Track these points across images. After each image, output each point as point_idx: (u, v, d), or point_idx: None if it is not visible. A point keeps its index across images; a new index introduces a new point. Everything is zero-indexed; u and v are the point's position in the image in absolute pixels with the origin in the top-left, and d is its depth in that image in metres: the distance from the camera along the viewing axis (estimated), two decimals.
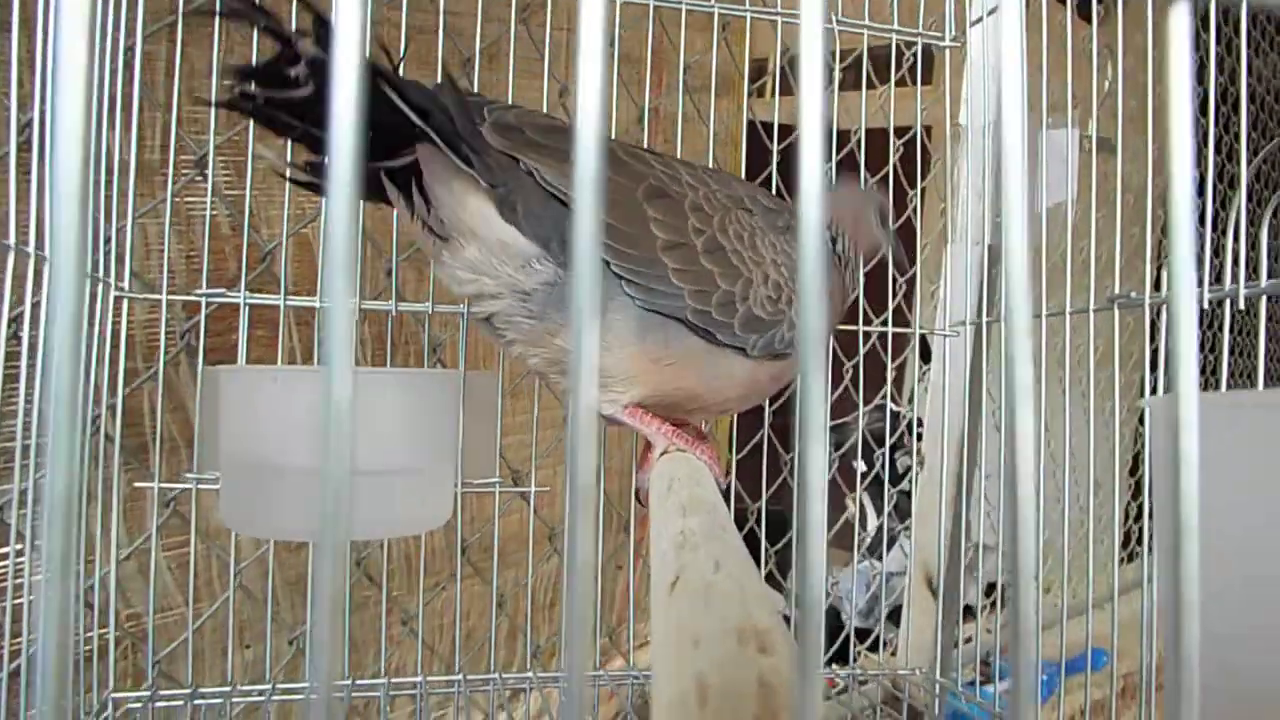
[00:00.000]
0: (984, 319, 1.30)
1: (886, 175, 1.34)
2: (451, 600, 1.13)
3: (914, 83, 1.42)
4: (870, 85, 1.40)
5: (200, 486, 0.94)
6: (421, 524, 0.84)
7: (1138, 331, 1.08)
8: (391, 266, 1.04)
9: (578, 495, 0.23)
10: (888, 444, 1.52)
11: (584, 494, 0.23)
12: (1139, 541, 2.07)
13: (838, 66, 1.38)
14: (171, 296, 0.95)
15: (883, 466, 1.54)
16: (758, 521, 1.25)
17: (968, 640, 1.62)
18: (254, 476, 0.77)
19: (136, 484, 0.95)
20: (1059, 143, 1.17)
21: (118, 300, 0.93)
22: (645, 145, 1.02)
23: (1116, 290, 0.97)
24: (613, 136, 1.09)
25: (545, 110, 1.09)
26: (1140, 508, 2.07)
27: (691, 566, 0.41)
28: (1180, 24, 0.22)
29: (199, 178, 0.98)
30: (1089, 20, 1.10)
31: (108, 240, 0.90)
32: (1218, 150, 1.97)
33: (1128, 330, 1.38)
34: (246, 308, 0.94)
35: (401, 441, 0.80)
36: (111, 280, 0.91)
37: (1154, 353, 1.42)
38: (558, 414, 1.27)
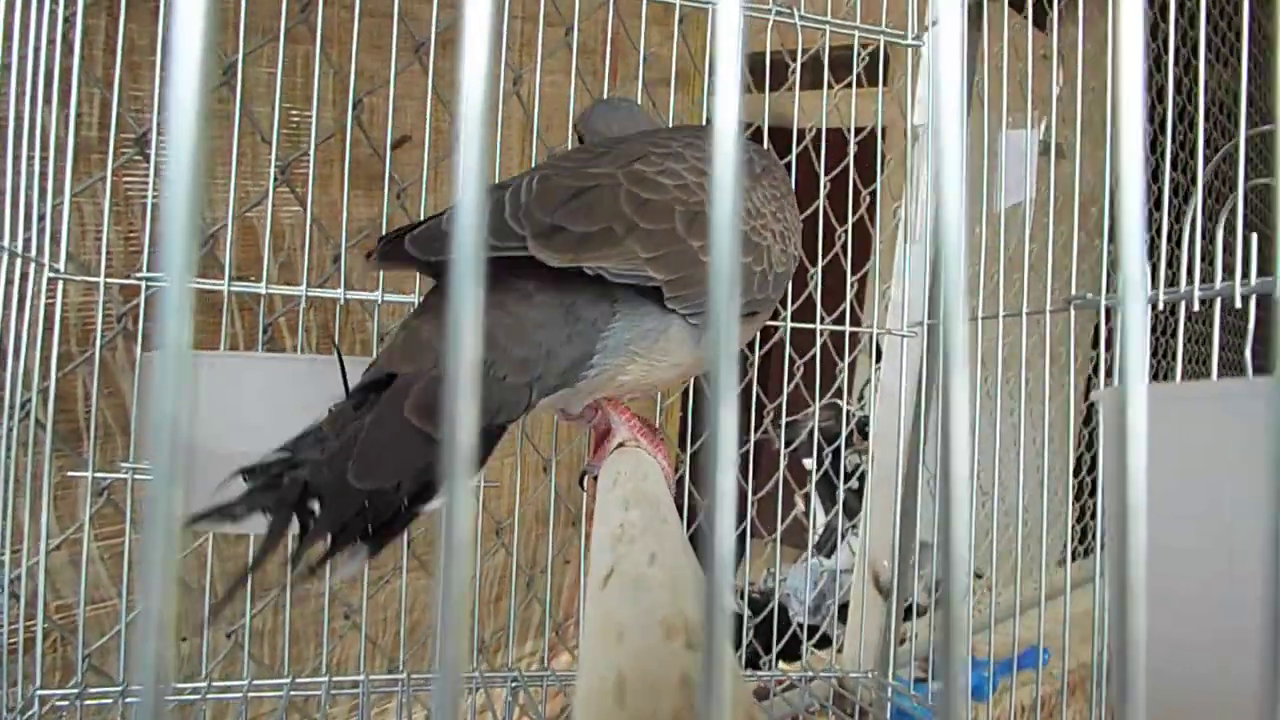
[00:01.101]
0: (932, 320, 1.32)
1: (846, 172, 1.35)
2: (395, 594, 1.12)
3: (871, 83, 1.44)
4: (829, 85, 1.41)
5: (136, 476, 0.92)
6: None
7: (1083, 338, 1.11)
8: (340, 253, 1.02)
9: (455, 460, 0.22)
10: (841, 442, 1.53)
11: (461, 461, 0.22)
12: (1085, 540, 2.12)
13: (798, 64, 1.39)
14: (109, 279, 0.93)
15: (832, 465, 1.56)
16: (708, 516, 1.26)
17: (915, 638, 1.65)
18: (191, 465, 0.75)
19: (69, 473, 0.93)
20: (1018, 144, 1.19)
21: (52, 282, 0.90)
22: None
23: (1073, 291, 0.99)
24: (569, 125, 1.09)
25: (500, 101, 1.08)
26: (1087, 507, 2.11)
27: (627, 559, 0.41)
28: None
29: (139, 157, 0.96)
30: (1044, 29, 1.12)
31: (41, 219, 0.88)
32: (1175, 157, 2.02)
33: (1079, 334, 1.41)
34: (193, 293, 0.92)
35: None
36: (46, 261, 0.89)
37: (1108, 360, 1.45)
38: None
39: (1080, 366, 1.89)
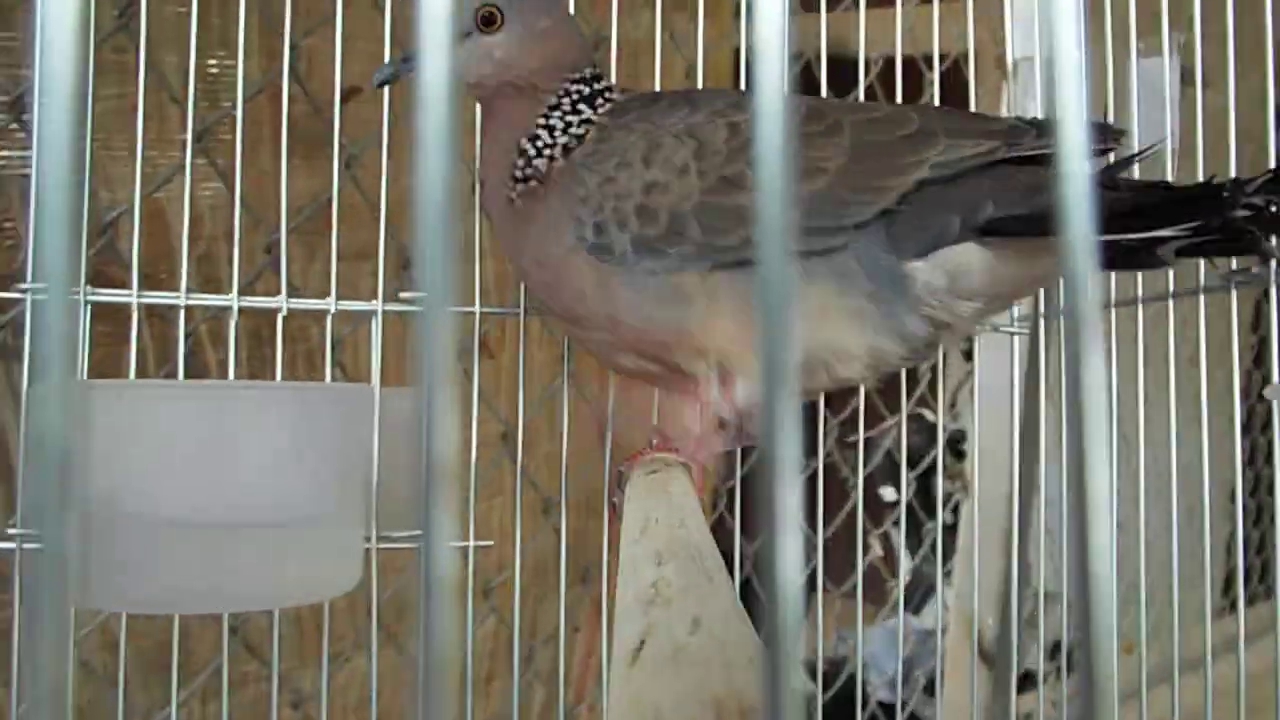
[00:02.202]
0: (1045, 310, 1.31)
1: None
2: (358, 675, 1.12)
3: None
4: (901, 0, 1.40)
5: (27, 545, 0.91)
6: (320, 590, 0.84)
7: (1222, 323, 1.09)
8: (276, 239, 1.03)
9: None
10: (935, 464, 1.53)
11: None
12: (1264, 578, 2.10)
13: None
14: None
15: (919, 495, 1.56)
16: (756, 566, 1.26)
17: (1027, 717, 1.64)
18: (98, 530, 0.75)
19: None
20: (1153, 76, 1.19)
21: None
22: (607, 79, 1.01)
23: (1234, 265, 0.98)
24: None
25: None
26: (1253, 539, 2.09)
27: (661, 626, 0.41)
28: None
29: (14, 125, 0.97)
30: None
31: None
32: None
33: (1226, 322, 1.40)
34: (87, 307, 0.93)
35: (295, 482, 0.79)
36: None
37: (1259, 344, 1.43)
38: (493, 431, 1.26)
39: (1225, 361, 1.88)
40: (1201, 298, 1.02)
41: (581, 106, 0.96)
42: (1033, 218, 0.84)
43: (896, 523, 1.69)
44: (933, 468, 1.67)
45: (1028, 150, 0.87)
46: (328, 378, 1.07)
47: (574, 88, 0.96)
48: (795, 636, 0.26)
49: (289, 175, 1.04)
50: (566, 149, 0.94)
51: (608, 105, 0.97)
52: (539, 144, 0.95)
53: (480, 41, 0.94)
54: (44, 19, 0.24)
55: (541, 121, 0.95)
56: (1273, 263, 0.95)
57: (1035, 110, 1.29)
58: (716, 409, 0.91)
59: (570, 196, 0.91)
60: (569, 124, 0.95)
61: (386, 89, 1.06)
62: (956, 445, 1.86)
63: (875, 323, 0.88)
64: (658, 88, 1.17)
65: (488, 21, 0.94)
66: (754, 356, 0.80)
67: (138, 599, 0.76)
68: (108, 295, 0.95)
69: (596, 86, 0.97)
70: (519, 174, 0.95)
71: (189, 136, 1.01)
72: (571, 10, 1.10)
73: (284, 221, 1.03)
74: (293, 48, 1.05)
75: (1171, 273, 1.05)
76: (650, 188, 0.89)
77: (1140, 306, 1.09)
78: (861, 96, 1.26)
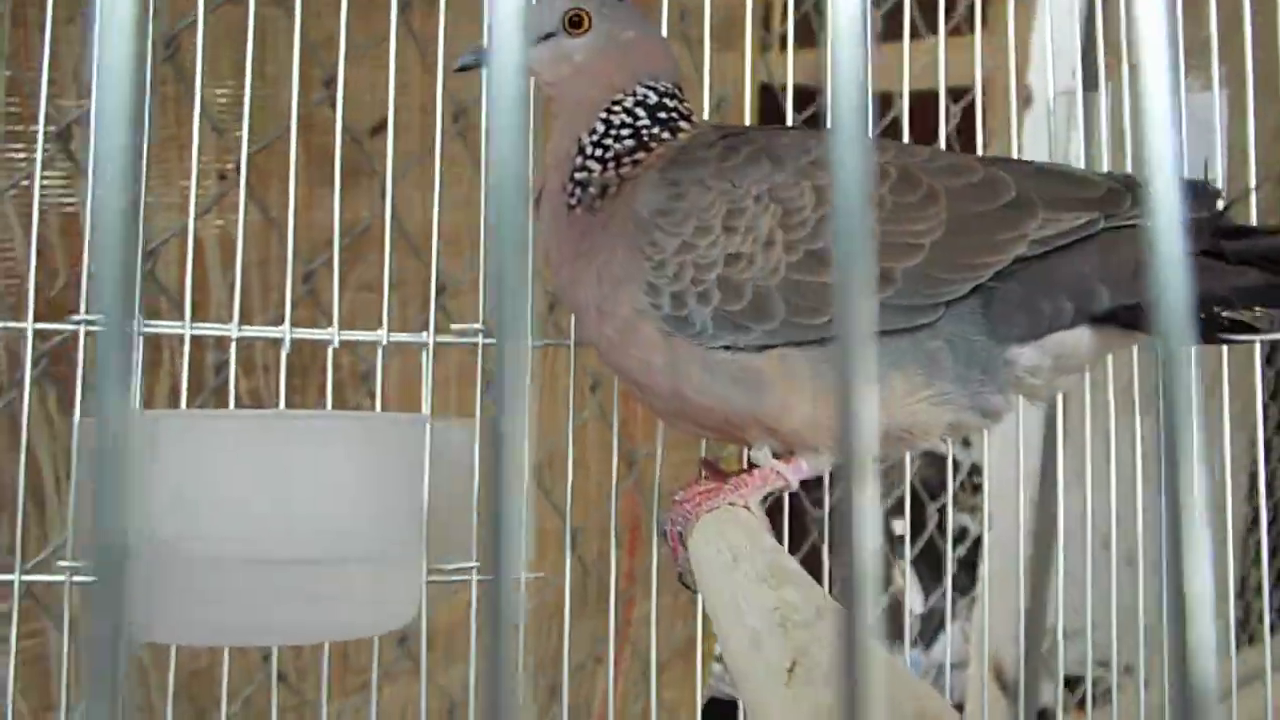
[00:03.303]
0: None
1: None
2: (387, 705, 1.14)
3: (970, 30, 1.46)
4: (915, 34, 1.43)
5: (77, 579, 0.90)
6: (377, 625, 0.85)
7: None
8: (311, 270, 1.05)
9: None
10: (946, 499, 1.55)
11: None
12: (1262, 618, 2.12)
13: (871, 9, 1.41)
14: (38, 325, 0.96)
15: (935, 528, 1.57)
16: None
17: None
18: (153, 569, 0.76)
19: None
20: (1202, 107, 1.21)
21: None
22: None
23: None
24: None
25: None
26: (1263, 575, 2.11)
27: (816, 645, 0.43)
28: None
29: (61, 154, 0.99)
30: None
31: None
32: None
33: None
34: (140, 338, 0.95)
35: (357, 515, 0.80)
36: None
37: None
38: (528, 466, 1.28)
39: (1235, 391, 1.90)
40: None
41: (647, 114, 0.95)
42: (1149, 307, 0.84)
43: (905, 556, 1.70)
44: (949, 501, 1.69)
45: (1126, 220, 0.86)
46: (377, 408, 1.09)
47: (644, 91, 0.95)
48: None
49: (320, 205, 1.06)
50: (631, 160, 0.93)
51: (682, 134, 0.96)
52: (600, 141, 0.94)
53: (563, 43, 0.95)
54: (100, 49, 0.26)
55: (604, 116, 0.95)
56: None
57: (1042, 140, 1.31)
58: (778, 473, 0.91)
59: (636, 252, 0.89)
60: (637, 128, 0.94)
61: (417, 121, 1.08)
62: (973, 478, 1.88)
63: (959, 403, 0.87)
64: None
65: (575, 24, 0.94)
66: (827, 438, 0.84)
67: (189, 632, 0.78)
68: (160, 326, 0.97)
69: (669, 102, 0.96)
70: (578, 175, 0.94)
71: (242, 164, 1.02)
72: None
73: (336, 250, 1.04)
74: (330, 79, 1.07)
75: None
76: (733, 259, 0.87)
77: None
78: (905, 135, 1.27)
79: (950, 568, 1.53)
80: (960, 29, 1.46)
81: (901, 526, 2.01)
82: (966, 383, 0.86)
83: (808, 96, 1.53)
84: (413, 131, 1.08)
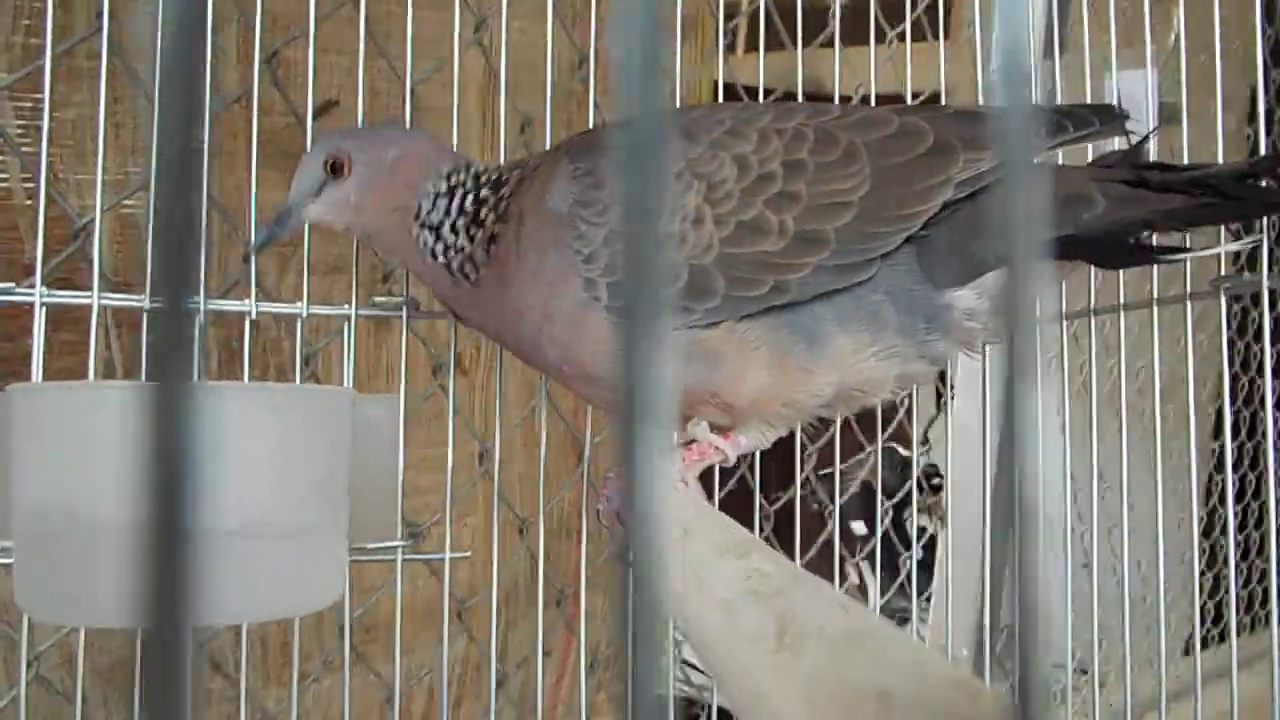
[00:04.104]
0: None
1: None
2: (327, 695, 1.12)
3: (934, 36, 1.46)
4: (880, 38, 1.43)
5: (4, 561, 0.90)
6: (303, 603, 0.83)
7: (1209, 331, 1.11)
8: (249, 251, 1.03)
9: None
10: (908, 497, 1.54)
11: None
12: (1219, 621, 2.12)
13: (837, 12, 1.41)
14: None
15: (893, 527, 1.57)
16: None
17: None
18: (59, 539, 0.74)
19: None
20: (1134, 91, 1.21)
21: None
22: (589, 99, 1.03)
23: (1222, 271, 0.99)
24: (548, 84, 1.10)
25: (456, 55, 1.10)
26: (1224, 576, 2.12)
27: (803, 609, 0.42)
28: None
29: None
30: None
31: None
32: None
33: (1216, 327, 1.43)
34: (43, 309, 0.93)
35: (278, 489, 0.79)
36: None
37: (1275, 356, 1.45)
38: (465, 450, 1.26)
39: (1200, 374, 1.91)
40: (1189, 304, 1.03)
41: (448, 203, 0.95)
42: (1083, 240, 0.86)
43: (868, 557, 1.70)
44: (905, 501, 1.69)
45: (1045, 152, 0.89)
46: (297, 381, 1.08)
47: (433, 190, 0.96)
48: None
49: (263, 186, 1.05)
50: (483, 207, 0.94)
51: (522, 163, 0.97)
52: (439, 234, 0.95)
53: (333, 190, 0.96)
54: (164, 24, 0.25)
55: (419, 224, 0.95)
56: (1264, 267, 0.97)
57: None
58: (716, 448, 0.92)
59: (564, 248, 0.88)
60: (463, 190, 0.95)
61: (361, 101, 1.07)
62: (930, 479, 1.88)
63: (906, 354, 0.88)
64: None
65: (336, 169, 0.95)
66: (778, 406, 0.85)
67: (107, 613, 0.75)
68: (68, 297, 0.95)
69: (456, 179, 0.96)
70: (453, 261, 0.94)
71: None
72: (551, 27, 1.11)
73: (253, 231, 1.03)
74: (271, 56, 1.06)
75: (1156, 280, 1.07)
76: (665, 240, 0.86)
77: (1122, 314, 1.11)
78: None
79: (912, 567, 1.52)
80: (924, 34, 1.46)
81: (861, 527, 2.01)
82: (911, 333, 0.87)
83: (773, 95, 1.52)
84: (355, 115, 1.07)
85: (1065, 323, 1.27)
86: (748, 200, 0.86)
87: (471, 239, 0.93)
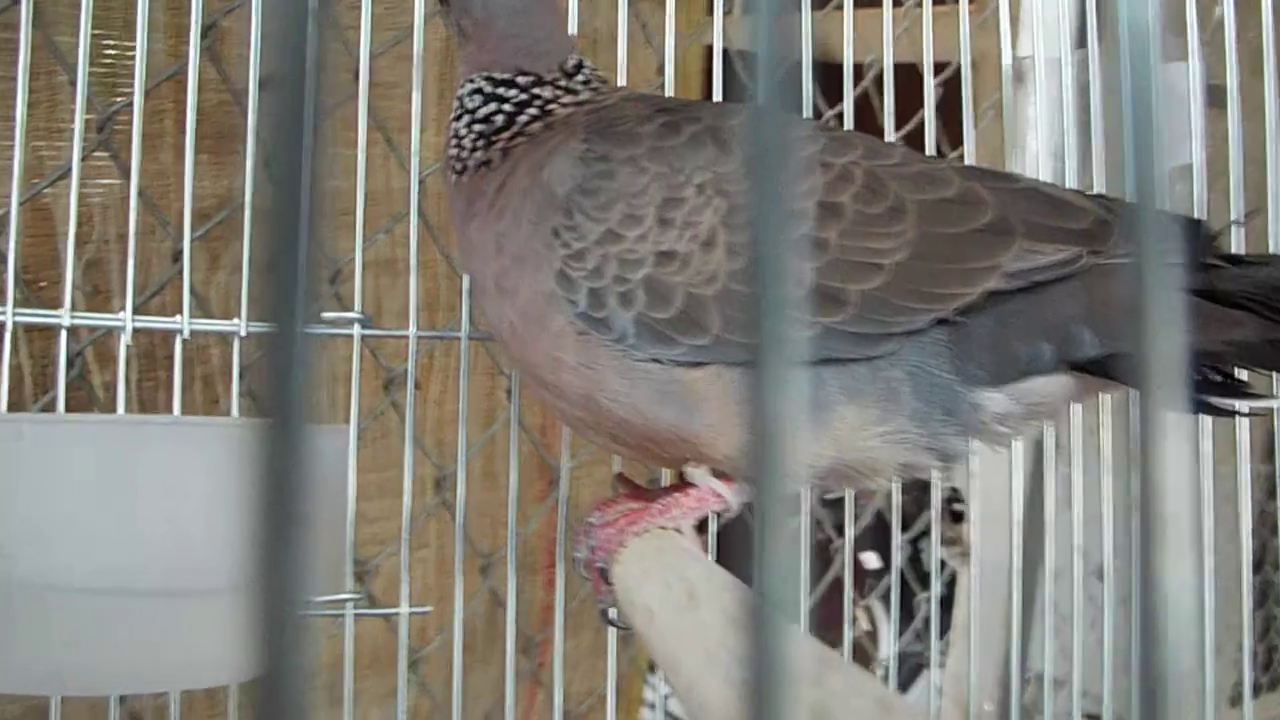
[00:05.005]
0: None
1: (921, 128, 1.38)
2: None
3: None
4: (896, 1, 1.45)
5: None
6: (226, 672, 0.83)
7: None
8: (181, 249, 1.04)
9: None
10: (932, 527, 1.56)
11: None
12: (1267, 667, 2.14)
13: None
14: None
15: (910, 562, 1.58)
16: None
17: None
18: None
19: None
20: (1176, 84, 1.23)
21: None
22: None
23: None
24: None
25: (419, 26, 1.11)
26: (1270, 619, 2.13)
27: (833, 702, 0.43)
28: None
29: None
30: None
31: None
32: None
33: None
34: None
35: (209, 540, 0.79)
36: None
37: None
38: (419, 475, 1.27)
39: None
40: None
41: (512, 87, 0.96)
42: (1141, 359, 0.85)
43: (884, 596, 1.72)
44: (925, 532, 1.71)
45: (1115, 259, 0.86)
46: (234, 409, 1.08)
47: (509, 75, 0.97)
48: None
49: (196, 172, 1.06)
50: (503, 133, 0.95)
51: (588, 91, 0.98)
52: (462, 119, 0.96)
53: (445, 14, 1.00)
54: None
55: (461, 95, 0.97)
56: None
57: (1044, 119, 1.33)
58: (718, 494, 0.91)
59: (545, 229, 0.88)
60: (491, 109, 0.96)
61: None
62: (952, 505, 1.90)
63: (916, 443, 0.87)
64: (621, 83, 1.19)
65: None
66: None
67: (15, 679, 0.76)
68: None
69: (541, 84, 0.97)
70: (450, 150, 0.97)
71: (79, 126, 1.02)
72: None
73: (187, 227, 1.04)
74: (208, 27, 1.07)
75: None
76: (665, 259, 0.85)
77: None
78: (849, 109, 1.29)
79: (934, 607, 1.54)
80: None
81: (873, 559, 2.03)
82: (926, 421, 0.86)
83: None
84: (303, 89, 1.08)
85: None
86: None
87: (474, 145, 0.95)
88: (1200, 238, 0.89)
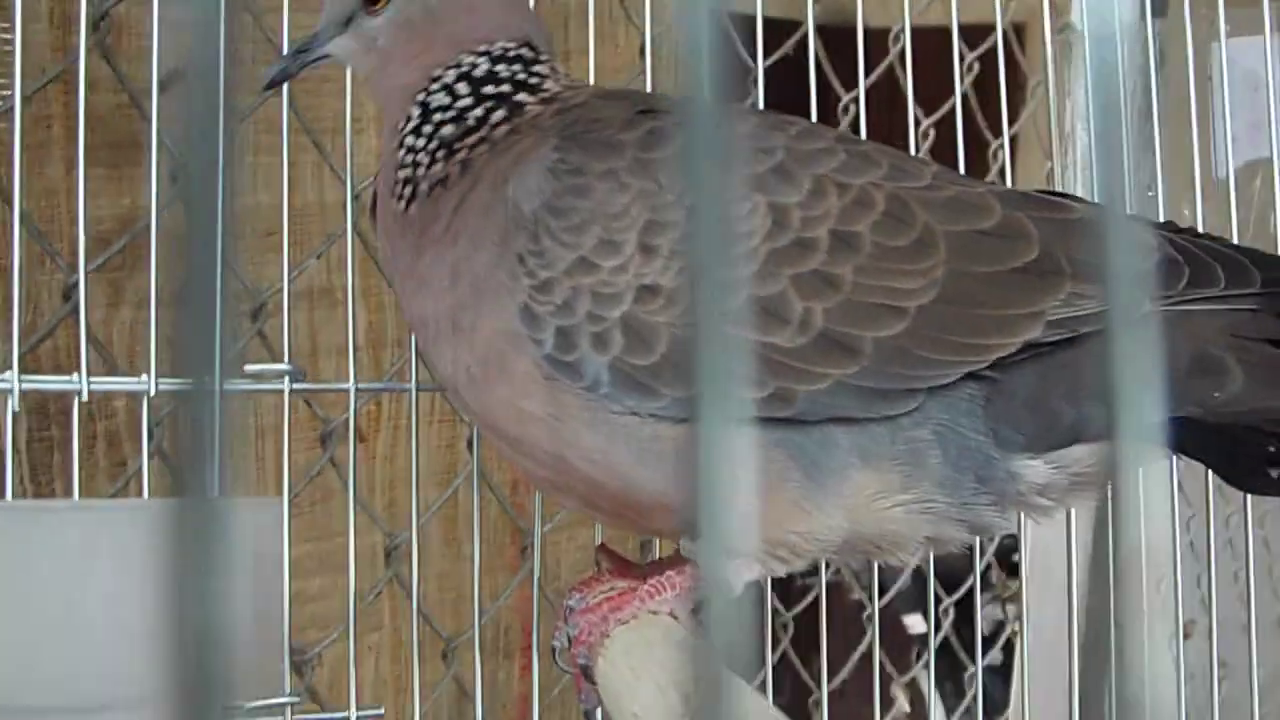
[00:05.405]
0: None
1: (952, 108, 1.36)
2: None
3: None
4: None
5: None
6: None
7: None
8: (78, 280, 1.02)
9: None
10: (974, 584, 1.54)
11: None
12: None
13: None
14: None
15: (958, 624, 1.56)
16: None
17: None
18: None
19: None
20: (1248, 61, 1.21)
21: None
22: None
23: None
24: None
25: None
26: None
27: None
28: None
29: None
30: None
31: None
32: None
33: None
34: None
35: (104, 647, 0.77)
36: None
37: None
38: (366, 543, 1.25)
39: None
40: None
41: (471, 90, 0.94)
42: (1210, 428, 0.84)
43: (927, 664, 1.69)
44: (976, 587, 1.68)
45: (1183, 304, 0.84)
46: (143, 469, 1.06)
47: (471, 60, 0.95)
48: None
49: (92, 190, 1.04)
50: (469, 145, 0.93)
51: (553, 91, 0.96)
52: (418, 129, 0.94)
53: (364, 25, 0.96)
54: None
55: (421, 98, 0.95)
56: None
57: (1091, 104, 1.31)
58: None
59: (509, 254, 0.86)
60: (460, 110, 0.94)
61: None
62: (1008, 556, 1.87)
63: (943, 514, 0.85)
64: (590, 63, 1.17)
65: None
66: (761, 543, 0.84)
67: None
68: None
69: (503, 69, 0.95)
70: (401, 173, 0.94)
71: None
72: None
73: (82, 260, 1.02)
74: (100, 19, 1.06)
75: None
76: (648, 294, 0.83)
77: None
78: (863, 95, 1.27)
79: (978, 683, 1.52)
80: None
81: (919, 623, 2.01)
82: (956, 490, 0.84)
83: (782, 31, 1.50)
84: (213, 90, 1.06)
85: None
86: (772, 270, 0.83)
87: (433, 157, 0.93)
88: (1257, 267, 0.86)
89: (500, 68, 0.95)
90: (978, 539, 1.28)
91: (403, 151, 0.94)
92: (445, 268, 0.89)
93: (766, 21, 1.24)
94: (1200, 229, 1.30)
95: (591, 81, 1.16)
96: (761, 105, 1.24)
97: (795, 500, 0.83)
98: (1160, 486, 1.25)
